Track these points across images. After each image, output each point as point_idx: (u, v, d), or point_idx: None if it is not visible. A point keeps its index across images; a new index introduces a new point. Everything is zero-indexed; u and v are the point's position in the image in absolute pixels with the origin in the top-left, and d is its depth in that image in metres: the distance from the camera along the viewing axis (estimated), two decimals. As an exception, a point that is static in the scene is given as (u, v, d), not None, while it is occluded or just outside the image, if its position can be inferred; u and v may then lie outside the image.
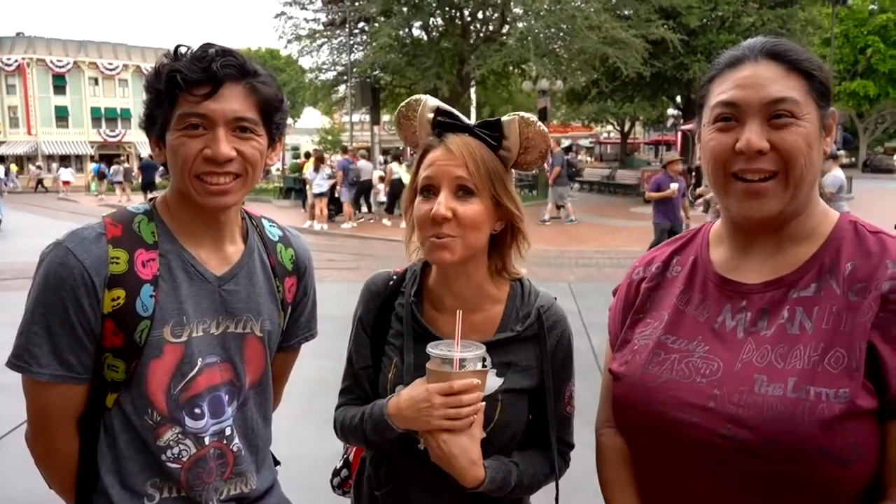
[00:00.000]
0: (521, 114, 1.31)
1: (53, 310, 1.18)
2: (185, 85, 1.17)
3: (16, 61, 46.78)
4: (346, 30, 22.75)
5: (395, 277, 1.46)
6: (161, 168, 1.43)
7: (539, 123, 1.31)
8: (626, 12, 21.58)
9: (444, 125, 1.30)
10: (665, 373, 1.15)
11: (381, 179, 17.09)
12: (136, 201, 1.53)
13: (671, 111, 33.52)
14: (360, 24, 23.94)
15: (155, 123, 1.24)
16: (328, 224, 16.27)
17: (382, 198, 17.03)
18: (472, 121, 1.34)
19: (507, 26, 22.40)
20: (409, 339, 1.37)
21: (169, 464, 1.26)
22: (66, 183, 33.51)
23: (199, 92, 1.17)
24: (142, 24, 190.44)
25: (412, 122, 1.36)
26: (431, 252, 1.28)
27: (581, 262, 10.85)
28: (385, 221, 16.46)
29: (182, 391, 1.25)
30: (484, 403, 1.24)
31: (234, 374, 1.32)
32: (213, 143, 1.18)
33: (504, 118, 1.30)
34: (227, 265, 1.32)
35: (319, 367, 6.22)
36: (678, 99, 29.20)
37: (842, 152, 14.85)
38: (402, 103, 1.37)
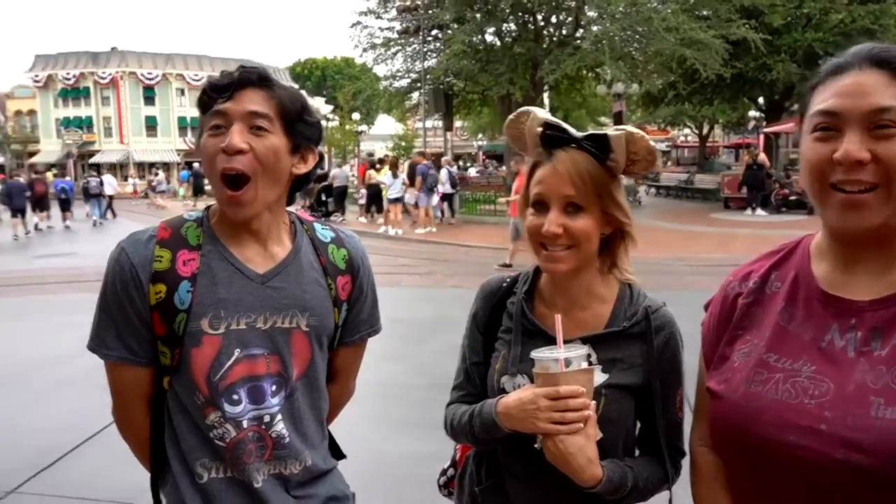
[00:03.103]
0: (628, 128, 1.33)
1: (113, 300, 1.35)
2: (211, 92, 1.33)
3: (110, 75, 49.47)
4: (420, 37, 23.01)
5: (508, 280, 1.53)
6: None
7: (646, 138, 1.33)
8: (704, 12, 20.96)
9: (552, 139, 1.34)
10: (769, 393, 1.11)
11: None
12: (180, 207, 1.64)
13: (753, 113, 32.27)
14: (434, 32, 24.14)
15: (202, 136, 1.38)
16: (403, 229, 16.50)
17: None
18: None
19: (581, 30, 22.12)
20: (517, 333, 1.43)
21: (216, 441, 1.37)
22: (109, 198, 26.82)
23: (222, 95, 1.32)
24: (224, 36, 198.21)
25: (522, 133, 1.41)
26: (545, 264, 1.36)
27: (659, 270, 10.57)
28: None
29: (220, 379, 1.35)
30: (593, 403, 1.26)
31: (281, 366, 1.40)
32: (228, 136, 1.30)
33: (611, 132, 1.33)
34: (272, 263, 1.41)
35: (389, 370, 6.37)
36: (760, 100, 28.12)
37: None
38: (511, 116, 1.43)
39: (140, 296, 1.33)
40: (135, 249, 1.35)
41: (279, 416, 1.40)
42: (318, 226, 1.54)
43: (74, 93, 50.57)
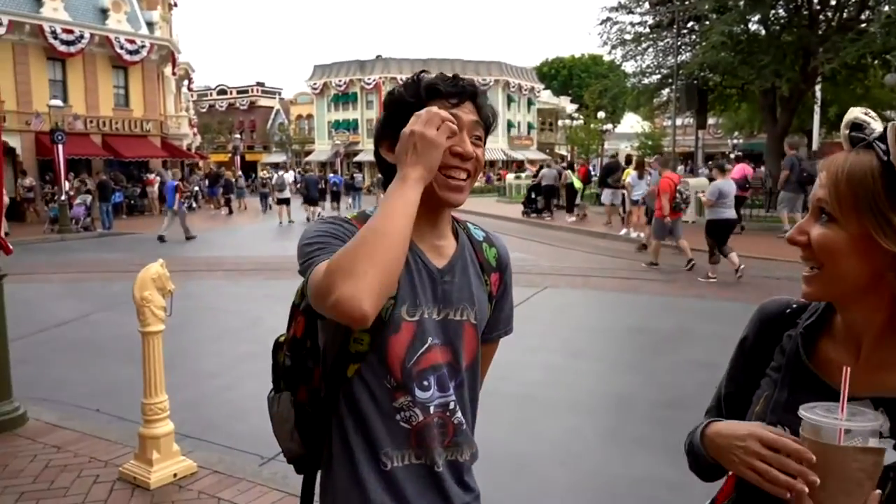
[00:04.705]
0: None
1: None
2: (443, 93, 1.43)
3: (374, 81, 54.62)
4: (674, 31, 21.85)
5: (794, 307, 1.26)
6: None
7: None
8: None
9: (854, 140, 1.09)
10: None
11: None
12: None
13: None
14: (689, 24, 22.79)
15: (393, 128, 1.43)
16: (644, 232, 15.79)
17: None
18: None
19: (867, 11, 19.39)
20: (786, 375, 1.18)
21: (402, 423, 1.43)
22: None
23: (450, 101, 1.43)
24: (474, 39, 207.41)
25: None
26: (802, 283, 1.13)
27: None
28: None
29: (414, 364, 1.42)
30: (878, 492, 0.95)
31: (453, 357, 1.47)
32: (462, 143, 1.41)
33: None
34: (445, 259, 1.49)
35: (626, 382, 6.08)
36: None
37: (729, 167, 12.65)
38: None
39: None
40: (343, 230, 1.42)
41: (457, 405, 1.48)
42: (470, 225, 1.63)
43: (344, 98, 56.87)
